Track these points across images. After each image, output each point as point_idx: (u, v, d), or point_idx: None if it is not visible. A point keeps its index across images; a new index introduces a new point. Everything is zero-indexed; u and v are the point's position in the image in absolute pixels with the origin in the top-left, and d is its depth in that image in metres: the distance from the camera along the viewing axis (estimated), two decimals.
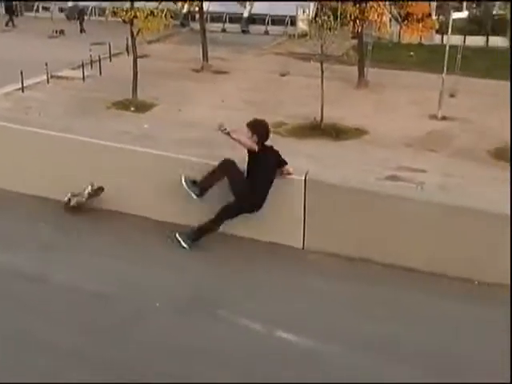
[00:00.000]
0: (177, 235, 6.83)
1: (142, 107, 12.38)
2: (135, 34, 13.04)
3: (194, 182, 6.86)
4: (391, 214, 6.81)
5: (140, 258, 7.16)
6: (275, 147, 9.42)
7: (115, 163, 7.67)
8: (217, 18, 25.07)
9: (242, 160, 6.96)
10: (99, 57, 14.39)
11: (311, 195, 7.12)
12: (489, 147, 10.50)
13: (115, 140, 8.03)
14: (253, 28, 25.84)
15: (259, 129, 6.73)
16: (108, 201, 7.87)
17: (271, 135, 9.51)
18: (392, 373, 5.63)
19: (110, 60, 15.15)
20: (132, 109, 12.34)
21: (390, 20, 18.19)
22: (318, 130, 11.26)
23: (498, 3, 22.66)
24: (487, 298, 6.61)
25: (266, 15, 25.31)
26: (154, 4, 14.19)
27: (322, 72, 10.84)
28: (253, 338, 6.05)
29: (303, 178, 7.06)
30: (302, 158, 9.49)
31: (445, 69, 12.30)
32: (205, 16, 18.26)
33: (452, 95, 12.96)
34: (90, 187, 7.38)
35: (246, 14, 25.38)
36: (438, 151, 10.52)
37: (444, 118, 12.03)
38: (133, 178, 7.63)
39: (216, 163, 6.94)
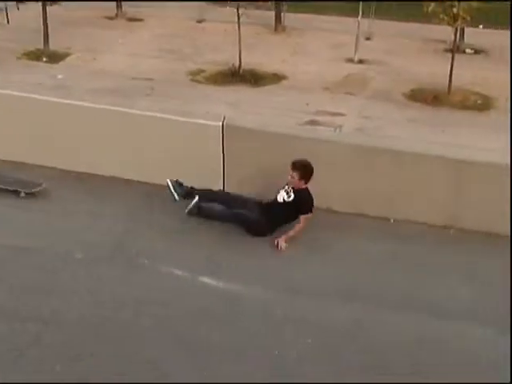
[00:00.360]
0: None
1: (55, 57, 11.99)
2: None
3: (181, 185, 6.83)
4: (311, 156, 6.91)
5: (60, 209, 7.08)
6: (194, 95, 9.34)
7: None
8: None
9: None
10: (5, 4, 13.81)
11: (229, 141, 7.14)
12: (404, 89, 10.69)
13: (28, 92, 7.84)
14: None
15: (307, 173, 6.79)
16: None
17: (190, 83, 9.42)
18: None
19: (18, 8, 14.55)
20: (44, 59, 11.94)
21: None
22: (236, 76, 11.18)
23: None
24: (398, 234, 6.87)
25: None
26: None
27: (239, 17, 10.74)
28: (177, 283, 6.11)
29: (220, 124, 7.07)
30: (221, 105, 9.48)
31: (360, 12, 12.37)
32: None
33: (368, 38, 13.08)
34: None
35: None
36: (356, 94, 10.64)
37: (361, 62, 12.14)
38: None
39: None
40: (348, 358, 5.41)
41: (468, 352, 5.51)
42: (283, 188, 6.85)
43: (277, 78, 11.38)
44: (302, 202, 6.76)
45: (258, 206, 6.86)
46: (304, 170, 6.75)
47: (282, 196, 6.82)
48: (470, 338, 5.66)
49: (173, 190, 6.81)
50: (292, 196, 6.78)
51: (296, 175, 6.76)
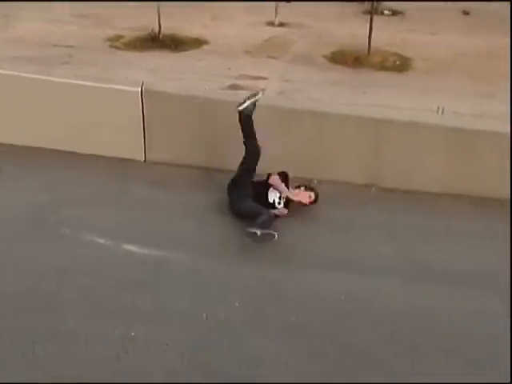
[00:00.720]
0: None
1: None
2: None
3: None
4: (233, 121, 6.88)
5: None
6: (113, 61, 9.16)
7: None
8: None
9: None
10: None
11: (149, 107, 7.04)
12: (325, 52, 10.70)
13: None
14: None
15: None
16: None
17: (109, 49, 9.19)
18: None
19: None
20: None
21: None
22: (156, 41, 10.97)
23: None
24: (321, 194, 6.98)
25: None
26: None
27: None
28: (100, 251, 6.04)
29: (139, 89, 6.96)
30: (141, 71, 9.29)
31: None
32: None
33: (288, 0, 13.02)
34: None
35: None
36: (278, 57, 10.60)
37: (281, 25, 12.08)
38: None
39: None
40: (273, 317, 5.48)
41: (388, 308, 5.67)
42: (278, 195, 6.73)
43: (198, 42, 11.22)
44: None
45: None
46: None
47: (273, 198, 6.71)
48: (390, 294, 5.82)
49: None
50: (282, 204, 6.66)
51: (313, 195, 6.75)
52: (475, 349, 5.31)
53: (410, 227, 6.74)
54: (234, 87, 9.20)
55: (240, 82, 9.38)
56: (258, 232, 6.02)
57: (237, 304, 5.59)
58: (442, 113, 7.69)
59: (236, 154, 6.82)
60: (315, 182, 7.28)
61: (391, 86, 9.29)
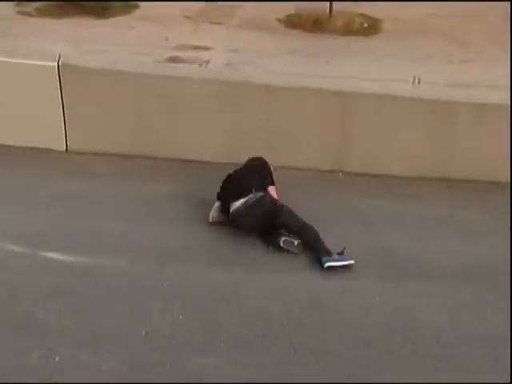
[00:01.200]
0: None
1: None
2: None
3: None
4: (170, 99, 6.88)
5: None
6: (25, 31, 9.04)
7: None
8: None
9: None
10: None
11: (69, 84, 6.98)
12: (279, 15, 10.70)
13: None
14: None
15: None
16: None
17: (18, 16, 9.12)
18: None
19: None
20: None
21: None
22: (76, 6, 10.85)
23: None
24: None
25: None
26: None
27: None
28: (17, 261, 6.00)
29: (56, 64, 6.88)
30: (59, 43, 9.15)
31: None
32: None
33: None
34: None
35: None
36: (223, 23, 10.58)
37: None
38: None
39: None
40: (225, 330, 5.54)
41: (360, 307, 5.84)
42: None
43: (128, 7, 11.13)
44: None
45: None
46: None
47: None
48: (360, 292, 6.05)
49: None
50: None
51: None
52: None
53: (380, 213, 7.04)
54: (172, 60, 9.16)
55: (180, 54, 9.33)
56: (295, 242, 6.45)
57: (181, 317, 5.64)
58: (419, 83, 7.82)
59: (171, 140, 6.85)
60: (272, 169, 7.34)
61: (358, 54, 9.32)
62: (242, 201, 6.51)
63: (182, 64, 8.92)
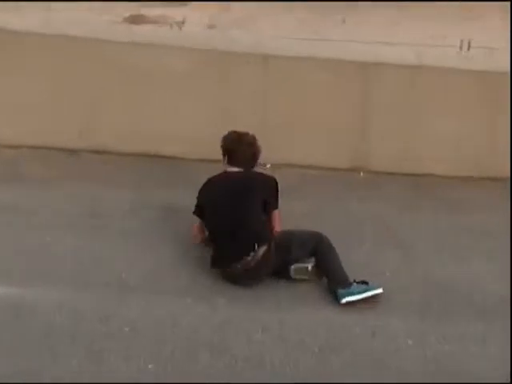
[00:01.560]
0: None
1: None
2: None
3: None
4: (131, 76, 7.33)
5: None
6: None
7: None
8: None
9: None
10: None
11: None
12: None
13: None
14: None
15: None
16: None
17: None
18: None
19: None
20: None
21: None
22: None
23: None
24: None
25: None
26: None
27: None
28: None
29: None
30: None
31: None
32: None
33: None
34: None
35: None
36: None
37: None
38: None
39: None
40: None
41: None
42: None
43: None
44: None
45: None
46: None
47: None
48: None
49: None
50: None
51: None
52: None
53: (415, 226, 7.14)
54: (133, 20, 8.93)
55: (144, 12, 9.11)
56: (309, 266, 6.52)
57: (150, 366, 5.44)
58: (468, 49, 7.74)
59: (132, 130, 6.82)
60: (268, 166, 7.42)
61: (386, 9, 9.09)
62: (242, 262, 6.40)
63: (146, 25, 8.68)
